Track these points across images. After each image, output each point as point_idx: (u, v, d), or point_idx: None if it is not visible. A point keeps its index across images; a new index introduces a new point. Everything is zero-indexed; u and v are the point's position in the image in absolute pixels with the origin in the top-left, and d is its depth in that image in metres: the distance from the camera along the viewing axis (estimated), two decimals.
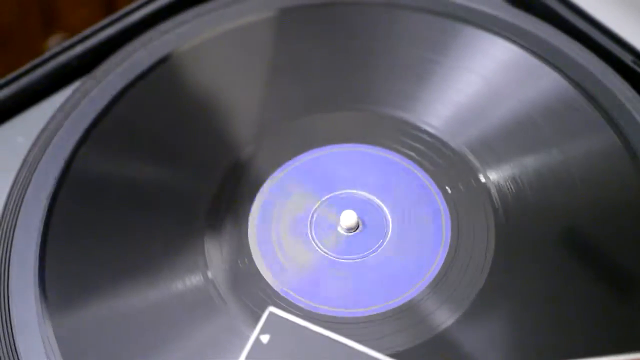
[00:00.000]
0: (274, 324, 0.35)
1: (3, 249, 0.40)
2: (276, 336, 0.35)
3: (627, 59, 0.46)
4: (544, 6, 0.48)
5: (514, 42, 0.45)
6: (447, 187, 0.42)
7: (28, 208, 0.41)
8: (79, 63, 0.47)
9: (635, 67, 0.45)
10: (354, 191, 0.42)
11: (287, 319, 0.35)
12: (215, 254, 0.40)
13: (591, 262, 0.40)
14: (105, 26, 0.48)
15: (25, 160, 0.43)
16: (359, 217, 0.41)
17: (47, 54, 0.47)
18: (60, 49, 0.47)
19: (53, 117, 0.44)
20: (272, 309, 0.35)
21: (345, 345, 0.35)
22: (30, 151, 0.43)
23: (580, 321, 0.38)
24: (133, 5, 0.49)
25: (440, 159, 0.43)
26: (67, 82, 0.47)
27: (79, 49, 0.47)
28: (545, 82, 0.44)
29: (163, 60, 0.46)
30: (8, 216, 0.41)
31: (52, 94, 0.47)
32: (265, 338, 0.35)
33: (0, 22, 0.67)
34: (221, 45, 0.47)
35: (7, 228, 0.41)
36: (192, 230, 0.41)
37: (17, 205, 0.41)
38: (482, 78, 0.45)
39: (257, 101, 0.45)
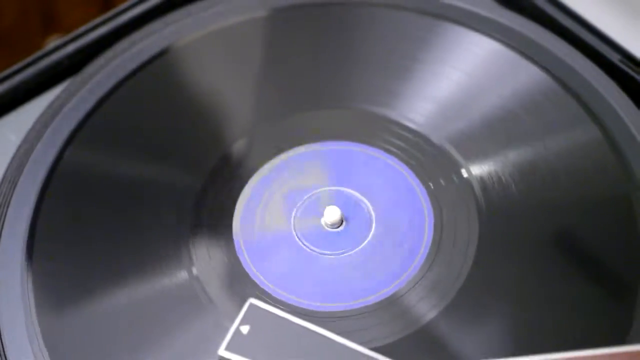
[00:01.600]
0: (254, 315, 0.35)
1: None
2: (256, 327, 0.35)
3: (615, 58, 0.46)
4: (532, 5, 0.48)
5: (496, 39, 0.46)
6: (430, 183, 0.42)
7: (16, 206, 0.41)
8: (70, 61, 0.47)
9: (623, 66, 0.45)
10: (338, 188, 0.42)
11: (267, 310, 0.35)
12: (200, 251, 0.40)
13: (575, 256, 0.40)
14: (98, 25, 0.48)
15: (13, 158, 0.43)
16: (342, 213, 0.41)
17: (39, 53, 0.47)
18: (52, 48, 0.47)
19: (43, 114, 0.45)
20: (252, 300, 0.36)
21: (325, 337, 0.35)
22: (19, 148, 0.43)
23: (564, 315, 0.38)
24: (125, 4, 0.49)
25: (423, 155, 0.43)
26: (59, 80, 0.47)
27: (71, 48, 0.48)
28: (528, 77, 0.44)
29: (153, 59, 0.46)
30: None
31: (44, 92, 0.47)
32: (245, 329, 0.35)
33: (1, 24, 0.67)
34: (210, 44, 0.47)
35: None
36: (177, 226, 0.41)
37: (5, 203, 0.41)
38: (465, 75, 0.45)
39: (244, 100, 0.46)
